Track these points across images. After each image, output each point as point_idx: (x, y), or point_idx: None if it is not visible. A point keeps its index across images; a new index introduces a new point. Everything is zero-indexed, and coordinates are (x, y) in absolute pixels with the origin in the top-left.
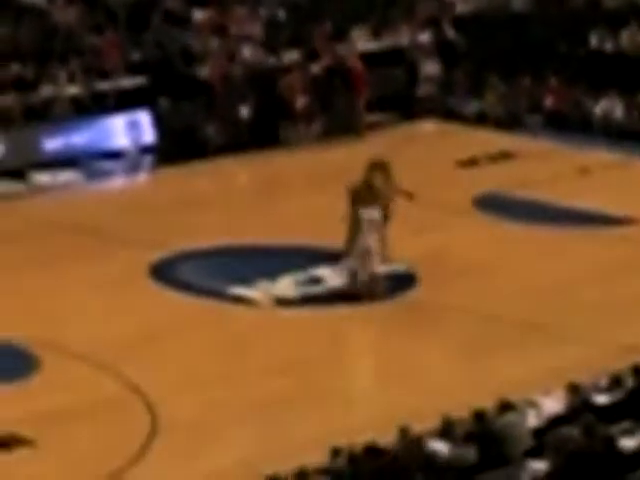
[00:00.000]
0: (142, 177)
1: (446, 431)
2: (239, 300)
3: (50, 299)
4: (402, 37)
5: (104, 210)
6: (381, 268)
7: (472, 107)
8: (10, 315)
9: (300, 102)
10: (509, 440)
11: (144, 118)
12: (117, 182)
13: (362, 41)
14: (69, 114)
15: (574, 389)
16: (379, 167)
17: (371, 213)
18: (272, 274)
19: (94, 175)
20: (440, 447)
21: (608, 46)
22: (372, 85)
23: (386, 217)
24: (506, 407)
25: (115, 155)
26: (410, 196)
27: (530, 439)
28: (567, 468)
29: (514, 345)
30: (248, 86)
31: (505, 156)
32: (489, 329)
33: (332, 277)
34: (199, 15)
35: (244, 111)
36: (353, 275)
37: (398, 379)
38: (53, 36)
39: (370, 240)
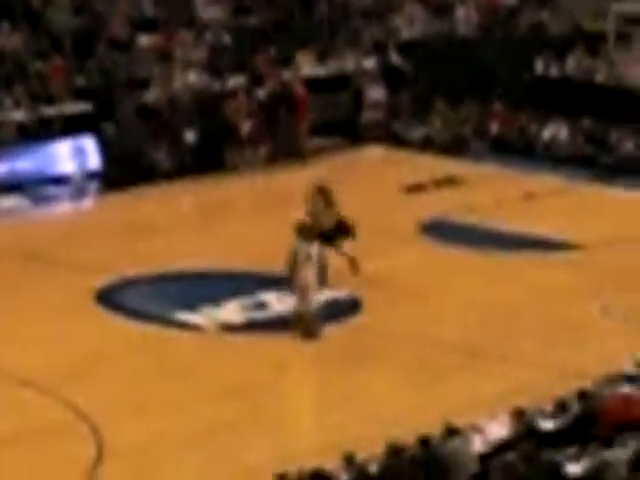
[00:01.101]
0: (88, 202)
1: (392, 457)
2: (185, 326)
3: None
4: (347, 62)
5: (50, 235)
6: (324, 294)
7: (418, 132)
8: None
9: (245, 127)
10: (454, 466)
11: (89, 143)
12: (63, 207)
13: (307, 66)
14: (14, 139)
15: (519, 415)
16: (321, 192)
17: (308, 248)
18: (218, 299)
19: (39, 200)
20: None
21: (553, 71)
22: (318, 110)
23: (330, 240)
24: (451, 432)
25: (60, 180)
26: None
27: (475, 464)
28: None
29: (459, 370)
30: (193, 111)
31: (451, 181)
32: (434, 354)
33: (277, 302)
34: (144, 40)
35: (190, 136)
36: (295, 312)
37: (343, 405)
38: None
39: (307, 276)
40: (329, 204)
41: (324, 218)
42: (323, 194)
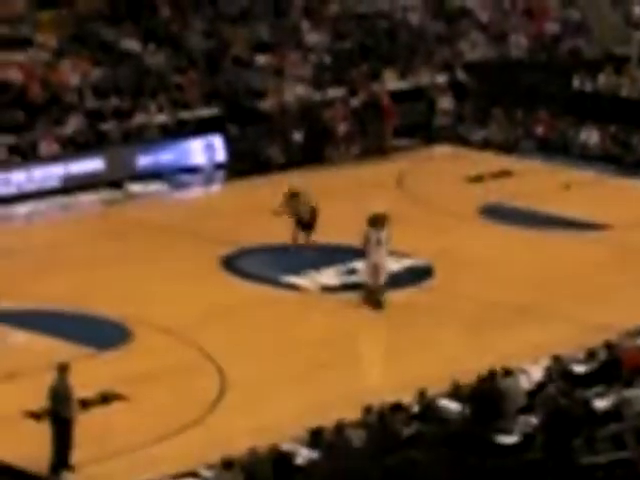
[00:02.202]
0: (215, 188)
1: (454, 393)
2: (291, 287)
3: (141, 284)
4: (423, 78)
5: (184, 214)
6: (403, 262)
7: (478, 134)
8: (111, 297)
9: (342, 129)
10: (506, 399)
11: (217, 141)
12: (195, 192)
13: (392, 81)
14: (157, 137)
15: (557, 360)
16: (294, 195)
17: (377, 234)
18: (318, 266)
19: (177, 186)
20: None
21: (587, 87)
22: (399, 116)
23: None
24: (505, 373)
25: (194, 170)
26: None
27: (524, 399)
28: (551, 423)
29: (510, 324)
30: (300, 116)
31: (504, 174)
32: (490, 311)
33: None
34: (261, 59)
35: (297, 136)
36: (366, 287)
37: (417, 351)
38: (145, 75)
39: (377, 257)
40: (304, 202)
41: (303, 212)
42: (296, 196)
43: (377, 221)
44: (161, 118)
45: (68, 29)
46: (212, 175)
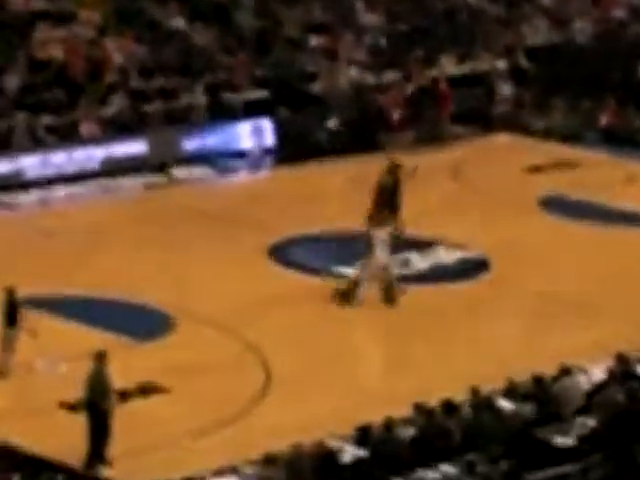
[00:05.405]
0: (263, 174)
1: (509, 391)
2: (340, 277)
3: (184, 272)
4: (482, 63)
5: (231, 200)
6: (457, 255)
7: (540, 123)
8: (153, 285)
9: (397, 114)
10: (564, 400)
11: (266, 125)
12: (242, 177)
13: (449, 66)
14: (204, 120)
15: (620, 359)
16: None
17: (382, 233)
18: (368, 256)
19: (223, 171)
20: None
21: None
22: (456, 103)
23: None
24: (563, 372)
25: (241, 155)
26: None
27: (582, 400)
28: (611, 425)
29: (568, 321)
30: (353, 100)
31: (566, 165)
32: (548, 307)
33: (420, 260)
34: (314, 41)
35: (348, 121)
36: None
37: (471, 347)
38: (192, 54)
39: (384, 257)
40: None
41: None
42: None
43: (379, 220)
44: (208, 100)
45: (112, 5)
46: (260, 160)
